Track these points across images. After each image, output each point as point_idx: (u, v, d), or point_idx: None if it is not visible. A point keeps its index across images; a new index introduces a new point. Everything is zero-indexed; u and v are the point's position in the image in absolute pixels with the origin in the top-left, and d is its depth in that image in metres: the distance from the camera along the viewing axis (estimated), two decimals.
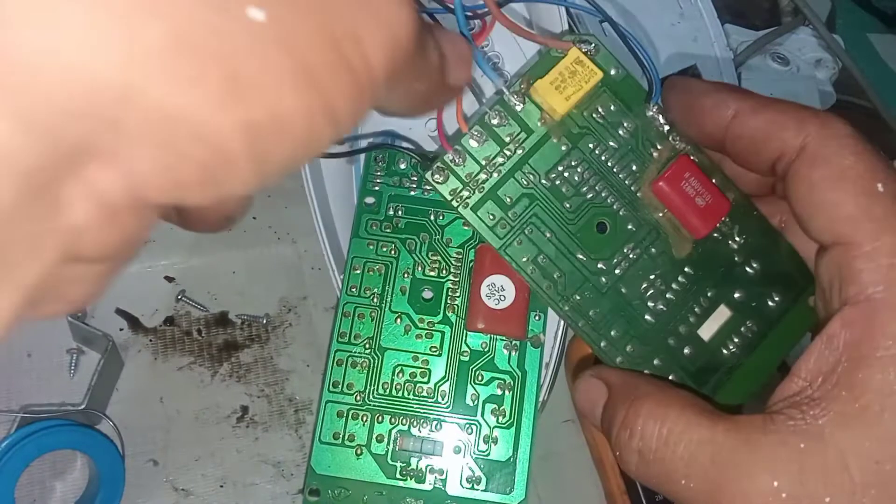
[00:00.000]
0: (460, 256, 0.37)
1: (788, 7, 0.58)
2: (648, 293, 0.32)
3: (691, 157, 0.33)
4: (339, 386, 0.35)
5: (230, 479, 0.42)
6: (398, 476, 0.35)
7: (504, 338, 0.36)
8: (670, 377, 0.32)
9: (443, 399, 0.36)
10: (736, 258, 0.33)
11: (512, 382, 0.36)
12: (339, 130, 0.18)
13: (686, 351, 0.32)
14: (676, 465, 0.26)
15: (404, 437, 0.35)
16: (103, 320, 0.44)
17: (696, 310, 0.33)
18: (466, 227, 0.38)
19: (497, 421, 0.35)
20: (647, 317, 0.32)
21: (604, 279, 0.32)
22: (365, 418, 0.35)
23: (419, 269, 0.37)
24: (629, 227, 0.32)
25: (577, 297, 0.32)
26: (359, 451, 0.35)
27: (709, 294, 0.33)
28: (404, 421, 0.35)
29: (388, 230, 0.37)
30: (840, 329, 0.26)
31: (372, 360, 0.36)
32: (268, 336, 0.46)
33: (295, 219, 0.49)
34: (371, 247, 0.37)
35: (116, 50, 0.14)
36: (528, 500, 0.35)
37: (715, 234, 0.33)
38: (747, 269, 0.33)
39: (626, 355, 0.32)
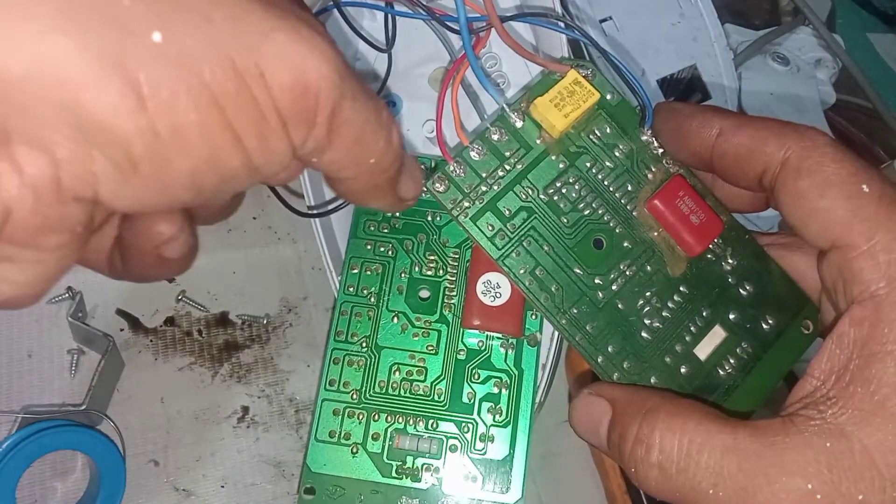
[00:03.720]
0: (457, 256, 0.37)
1: (788, 7, 0.58)
2: (645, 310, 0.32)
3: (685, 179, 0.33)
4: (336, 384, 0.35)
5: (231, 479, 0.43)
6: (394, 475, 0.35)
7: (500, 336, 0.36)
8: None
9: (439, 397, 0.36)
10: (729, 279, 0.33)
11: (508, 381, 0.36)
12: (251, 162, 0.20)
13: (683, 370, 0.32)
14: (703, 475, 0.25)
15: (400, 436, 0.35)
16: (104, 321, 0.44)
17: (691, 329, 0.33)
18: None
19: (493, 419, 0.35)
20: (643, 333, 0.32)
21: (600, 294, 0.32)
22: (361, 416, 0.35)
23: (416, 268, 0.37)
24: (625, 244, 0.33)
25: (574, 311, 0.32)
26: (355, 450, 0.35)
27: (704, 314, 0.33)
28: (400, 419, 0.35)
29: (385, 230, 0.38)
30: (849, 328, 0.26)
31: (368, 359, 0.36)
32: (268, 336, 0.46)
33: (295, 219, 0.49)
34: (369, 247, 0.37)
35: (27, 47, 0.17)
36: (526, 500, 0.35)
37: (709, 255, 0.33)
38: (741, 290, 0.33)
39: (624, 372, 0.32)
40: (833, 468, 0.24)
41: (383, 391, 0.35)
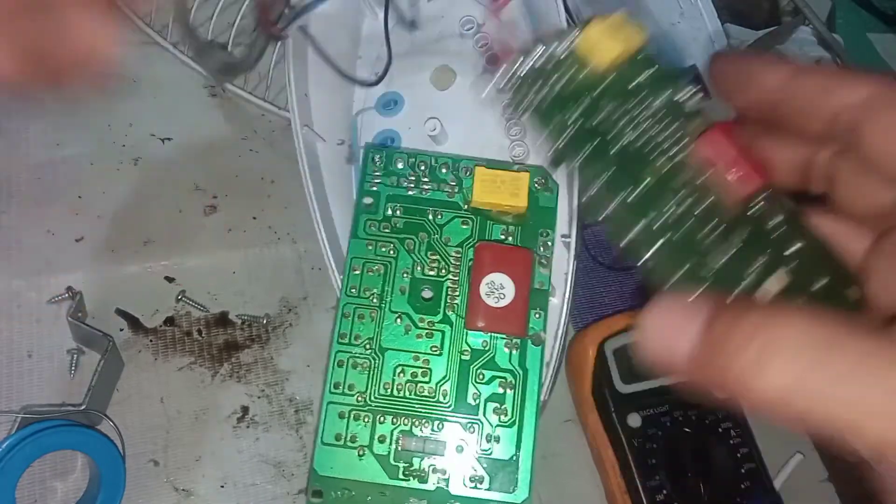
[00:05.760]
0: (459, 255, 0.37)
1: (788, 7, 0.58)
2: (705, 244, 0.30)
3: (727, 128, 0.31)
4: (341, 387, 0.35)
5: (231, 479, 0.42)
6: (401, 476, 0.35)
7: (505, 336, 0.36)
8: None
9: (444, 399, 0.36)
10: (772, 237, 0.30)
11: (513, 381, 0.36)
12: None
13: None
14: (828, 369, 0.19)
15: (406, 438, 0.35)
16: (103, 321, 0.44)
17: (752, 271, 0.30)
18: (465, 226, 0.38)
19: (499, 420, 0.35)
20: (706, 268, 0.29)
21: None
22: (367, 419, 0.35)
23: (418, 268, 0.37)
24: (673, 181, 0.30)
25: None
26: (361, 452, 0.35)
27: (759, 261, 0.30)
28: (406, 421, 0.35)
29: (386, 230, 0.38)
30: None
31: (373, 361, 0.36)
32: (268, 336, 0.46)
33: (295, 219, 0.49)
34: (370, 247, 0.37)
35: None
36: (531, 499, 0.35)
37: (750, 212, 0.30)
38: (788, 249, 0.30)
39: None
40: None
41: (388, 393, 0.35)
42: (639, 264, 0.28)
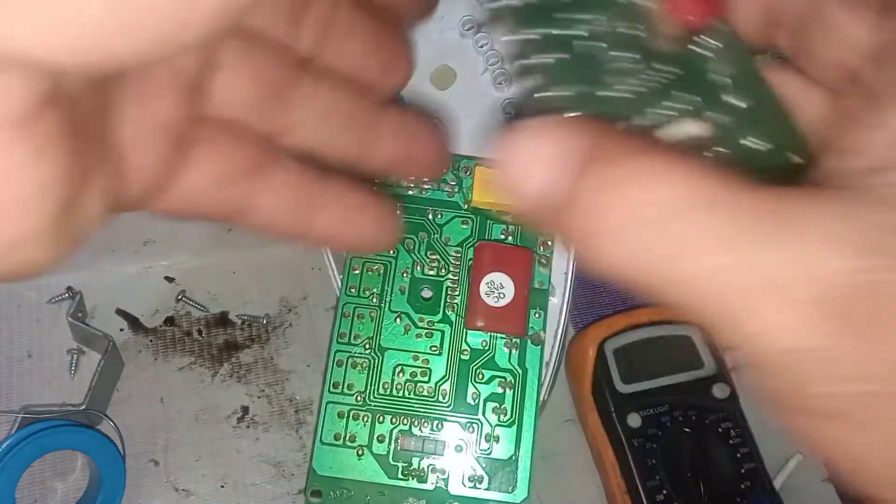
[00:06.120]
0: (459, 255, 0.37)
1: None
2: (616, 66, 0.26)
3: None
4: (340, 387, 0.35)
5: (231, 479, 0.42)
6: (400, 476, 0.35)
7: (504, 336, 0.36)
8: None
9: (444, 398, 0.36)
10: (715, 81, 0.27)
11: (513, 380, 0.36)
12: None
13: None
14: (688, 240, 0.17)
15: (406, 437, 0.35)
16: (103, 321, 0.44)
17: (660, 110, 0.26)
18: (465, 226, 0.38)
19: (498, 419, 0.35)
20: (609, 93, 0.26)
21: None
22: (366, 419, 0.35)
23: (418, 268, 0.37)
24: None
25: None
26: (360, 452, 0.35)
27: (677, 100, 0.26)
28: (405, 421, 0.35)
29: None
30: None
31: (372, 361, 0.36)
32: (268, 336, 0.46)
33: None
34: None
35: None
36: (530, 499, 0.35)
37: (697, 48, 0.27)
38: (724, 97, 0.27)
39: None
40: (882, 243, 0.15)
41: (388, 393, 0.35)
42: (536, 94, 0.24)
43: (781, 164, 0.26)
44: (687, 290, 0.17)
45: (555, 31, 0.27)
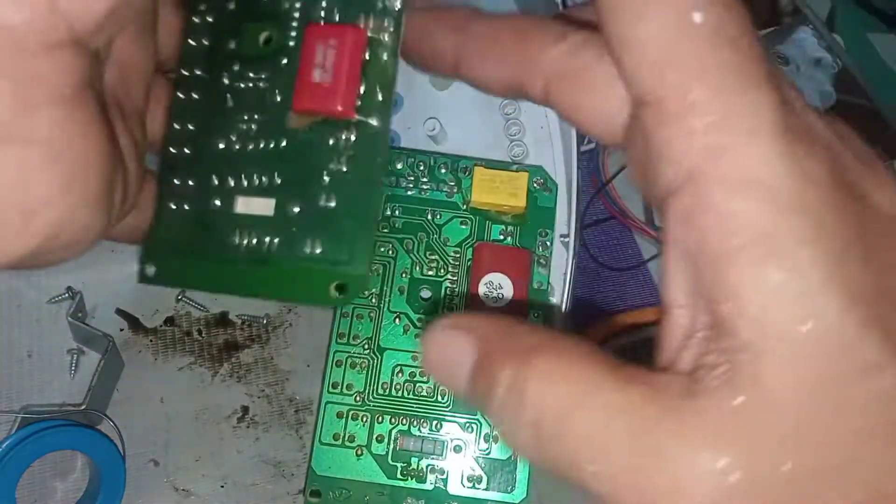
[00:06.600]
0: (458, 255, 0.37)
1: (788, 7, 0.58)
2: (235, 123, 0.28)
3: (365, 33, 0.26)
4: (339, 387, 0.35)
5: (231, 479, 0.42)
6: (399, 476, 0.35)
7: None
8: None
9: (443, 398, 0.36)
10: (325, 180, 0.27)
11: None
12: None
13: (215, 202, 0.27)
14: (581, 446, 0.18)
15: (405, 437, 0.35)
16: (103, 321, 0.44)
17: (254, 177, 0.27)
18: (464, 226, 0.38)
19: None
20: (221, 145, 0.27)
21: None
22: (365, 419, 0.35)
23: (417, 268, 0.37)
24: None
25: None
26: (359, 452, 0.35)
27: (275, 177, 0.27)
28: (404, 421, 0.35)
29: (385, 230, 0.38)
30: (678, 228, 0.18)
31: (371, 361, 0.36)
32: (268, 336, 0.46)
33: None
34: None
35: None
36: (529, 499, 0.35)
37: (330, 138, 0.27)
38: (322, 200, 0.27)
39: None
40: (747, 432, 0.17)
41: (387, 393, 0.35)
42: None
43: (323, 280, 0.26)
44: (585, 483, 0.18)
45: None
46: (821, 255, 0.17)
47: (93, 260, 0.45)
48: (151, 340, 0.45)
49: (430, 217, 0.38)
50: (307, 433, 0.44)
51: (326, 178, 0.26)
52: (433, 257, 0.37)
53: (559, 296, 0.38)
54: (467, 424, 0.35)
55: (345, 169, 0.26)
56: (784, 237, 0.17)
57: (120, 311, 0.45)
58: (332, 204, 0.26)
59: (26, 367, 0.42)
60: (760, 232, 0.17)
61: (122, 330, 0.44)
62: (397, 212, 0.38)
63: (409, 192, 0.38)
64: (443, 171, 0.38)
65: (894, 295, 0.17)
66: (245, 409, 0.44)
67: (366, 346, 0.36)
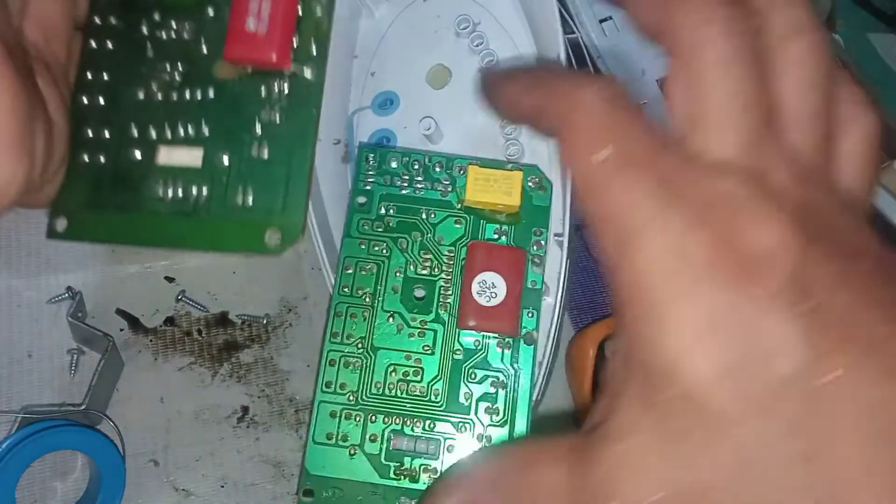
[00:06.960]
0: (452, 254, 0.37)
1: None
2: (157, 73, 0.28)
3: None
4: (332, 386, 0.35)
5: (231, 479, 0.43)
6: (392, 476, 0.35)
7: (497, 335, 0.36)
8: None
9: (436, 398, 0.36)
10: (258, 130, 0.27)
11: (505, 380, 0.36)
12: None
13: (137, 153, 0.27)
14: None
15: (398, 437, 0.35)
16: (103, 320, 0.44)
17: (179, 127, 0.27)
18: (458, 225, 0.38)
19: (491, 419, 0.35)
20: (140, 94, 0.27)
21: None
22: (358, 418, 0.35)
23: (411, 267, 0.37)
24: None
25: None
26: (352, 452, 0.35)
27: (202, 126, 0.27)
28: (398, 420, 0.35)
29: (379, 229, 0.38)
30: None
31: (365, 360, 0.36)
32: (268, 336, 0.46)
33: None
34: (363, 246, 0.37)
35: None
36: None
37: (262, 89, 0.27)
38: (255, 150, 0.27)
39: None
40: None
41: (380, 392, 0.35)
42: None
43: (257, 229, 0.27)
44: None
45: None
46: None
47: (93, 260, 0.45)
48: (151, 340, 0.45)
49: (424, 216, 0.38)
50: (306, 433, 0.44)
51: (259, 129, 0.26)
52: (427, 256, 0.37)
53: (554, 295, 0.37)
54: (461, 424, 0.35)
55: (278, 121, 0.26)
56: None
57: (120, 311, 0.45)
58: (265, 154, 0.26)
59: (26, 367, 0.43)
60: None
61: (122, 330, 0.45)
62: (392, 211, 0.38)
63: (404, 191, 0.38)
64: (437, 169, 0.38)
65: None
66: (245, 409, 0.44)
67: (359, 346, 0.36)
